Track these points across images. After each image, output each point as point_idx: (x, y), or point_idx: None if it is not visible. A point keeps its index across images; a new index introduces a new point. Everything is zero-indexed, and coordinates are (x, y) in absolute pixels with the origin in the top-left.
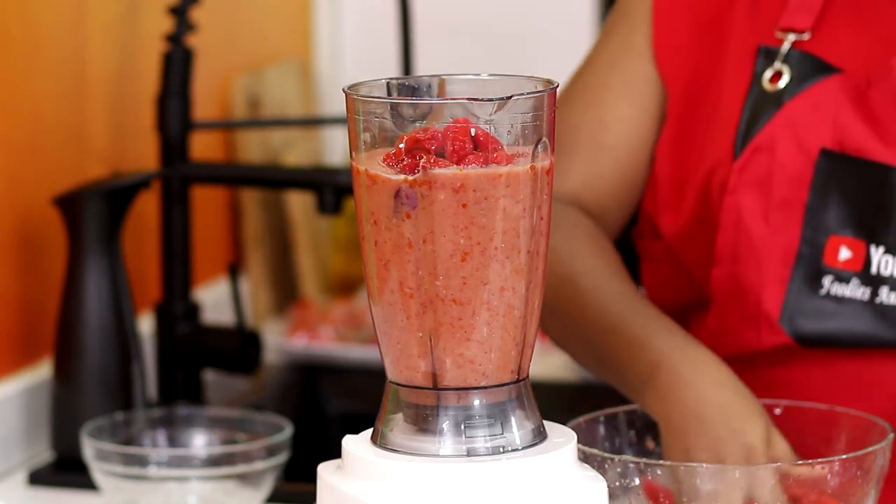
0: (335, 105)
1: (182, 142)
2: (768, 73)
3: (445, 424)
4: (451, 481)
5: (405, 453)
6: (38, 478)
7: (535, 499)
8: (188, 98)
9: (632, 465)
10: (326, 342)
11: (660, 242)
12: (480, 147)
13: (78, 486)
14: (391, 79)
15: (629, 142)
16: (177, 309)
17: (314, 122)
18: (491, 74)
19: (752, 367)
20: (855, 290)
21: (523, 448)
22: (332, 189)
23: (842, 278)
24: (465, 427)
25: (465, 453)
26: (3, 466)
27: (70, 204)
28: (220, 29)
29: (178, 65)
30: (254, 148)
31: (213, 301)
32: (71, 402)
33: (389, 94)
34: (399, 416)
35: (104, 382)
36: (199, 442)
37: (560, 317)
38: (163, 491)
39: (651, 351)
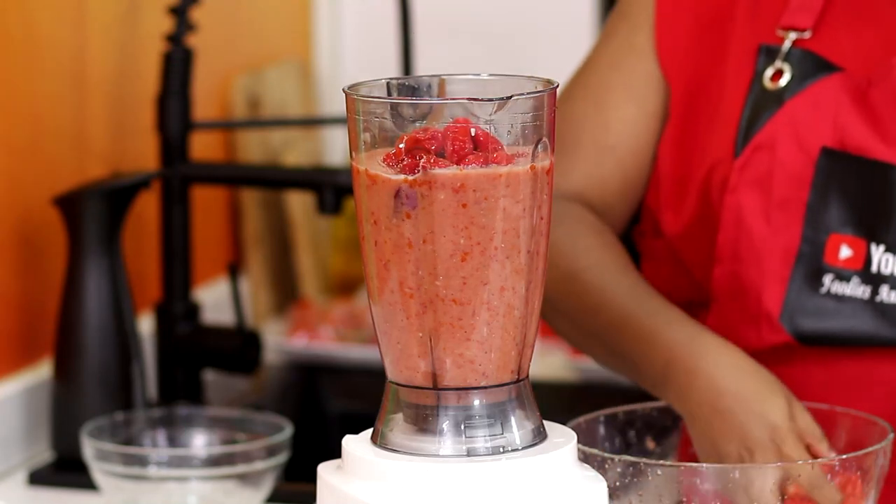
0: (335, 105)
1: (182, 142)
2: (769, 72)
3: (445, 424)
4: (451, 481)
5: (405, 453)
6: (38, 478)
7: (535, 499)
8: (188, 98)
9: (632, 465)
10: (326, 342)
11: (661, 241)
12: (480, 147)
13: (78, 486)
14: (391, 79)
15: (632, 142)
16: (177, 309)
17: (314, 122)
18: (491, 74)
19: None
20: (855, 289)
21: (523, 448)
22: (332, 189)
23: (842, 277)
24: (465, 427)
25: (465, 453)
26: (3, 466)
27: (70, 204)
28: (220, 29)
29: (178, 65)
30: (254, 148)
31: (213, 301)
32: (71, 402)
33: (389, 94)
34: (399, 416)
35: (104, 382)
36: (199, 442)
37: (567, 313)
38: (163, 491)
39: (662, 345)
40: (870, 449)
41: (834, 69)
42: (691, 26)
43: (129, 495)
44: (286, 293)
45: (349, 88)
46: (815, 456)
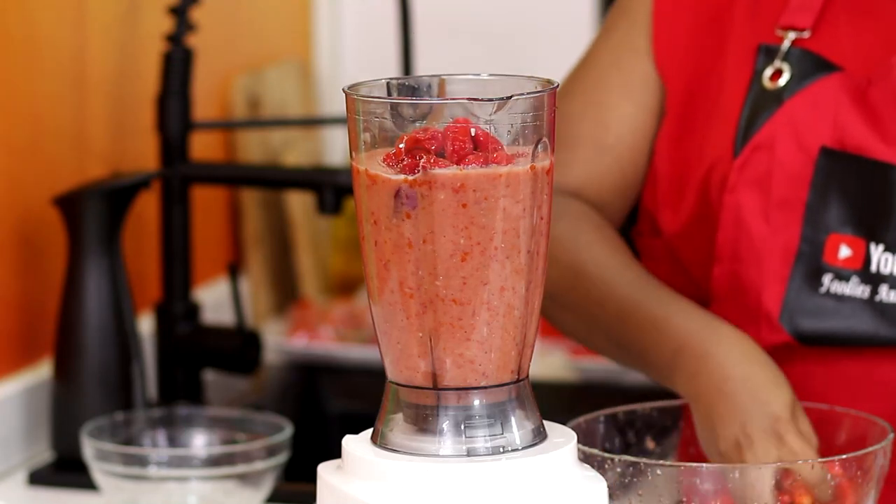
0: (335, 105)
1: (182, 142)
2: (768, 72)
3: (445, 424)
4: (451, 481)
5: (405, 453)
6: (38, 478)
7: (535, 499)
8: (188, 98)
9: (632, 465)
10: (326, 342)
11: (659, 240)
12: (480, 147)
13: (78, 486)
14: (391, 79)
15: (630, 139)
16: (177, 309)
17: (314, 122)
18: (491, 74)
19: None
20: (855, 289)
21: (523, 448)
22: (332, 189)
23: (842, 276)
24: (465, 427)
25: (465, 453)
26: (3, 466)
27: (70, 204)
28: (220, 29)
29: (178, 65)
30: (254, 148)
31: (213, 301)
32: (71, 402)
33: (389, 94)
34: (399, 416)
35: (104, 382)
36: (199, 442)
37: (571, 307)
38: (163, 491)
39: (673, 332)
40: (870, 449)
41: (833, 69)
42: (689, 25)
43: (129, 495)
44: (286, 293)
45: (349, 88)
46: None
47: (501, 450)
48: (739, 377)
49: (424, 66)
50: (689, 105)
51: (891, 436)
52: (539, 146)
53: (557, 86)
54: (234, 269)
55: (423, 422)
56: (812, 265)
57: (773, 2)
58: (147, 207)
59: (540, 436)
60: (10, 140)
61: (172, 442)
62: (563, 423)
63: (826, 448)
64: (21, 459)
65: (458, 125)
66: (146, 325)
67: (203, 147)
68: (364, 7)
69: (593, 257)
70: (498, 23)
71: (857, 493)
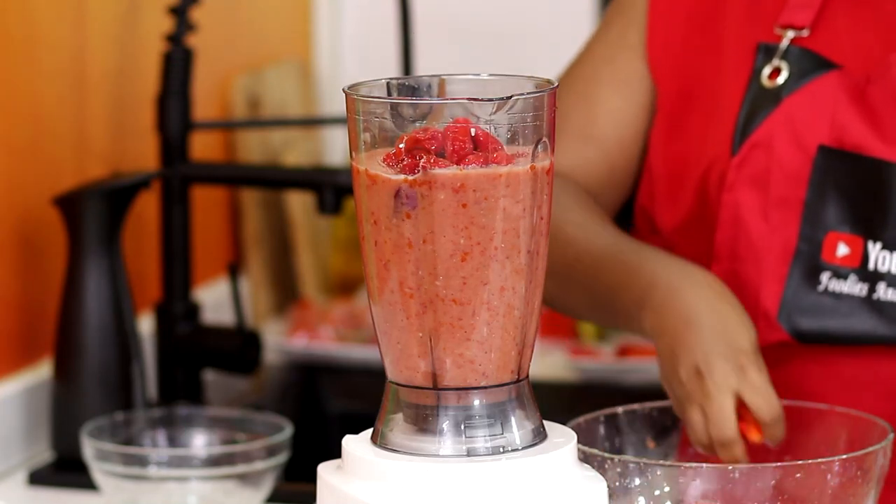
0: (335, 105)
1: (182, 142)
2: (767, 70)
3: (445, 424)
4: (451, 481)
5: (405, 453)
6: (38, 478)
7: (535, 499)
8: (188, 98)
9: (632, 465)
10: (326, 342)
11: (657, 238)
12: (480, 147)
13: (78, 486)
14: (391, 79)
15: (618, 133)
16: (177, 309)
17: (314, 122)
18: (491, 74)
19: None
20: (853, 287)
21: (523, 448)
22: (332, 189)
23: (840, 274)
24: (465, 427)
25: (465, 453)
26: (3, 466)
27: (70, 204)
28: (220, 29)
29: (178, 65)
30: (254, 148)
31: (213, 301)
32: (71, 402)
33: (389, 94)
34: (399, 416)
35: (104, 382)
36: (199, 442)
37: (548, 270)
38: (163, 491)
39: (645, 273)
40: (870, 449)
41: (832, 67)
42: (684, 24)
43: (129, 495)
44: (286, 293)
45: (349, 88)
46: (743, 410)
47: (501, 450)
48: (707, 313)
49: (424, 66)
50: (683, 103)
51: (891, 436)
52: (539, 146)
53: (557, 86)
54: (234, 269)
55: (423, 422)
56: (810, 263)
57: (773, 0)
58: (147, 207)
59: (540, 436)
60: (10, 140)
61: (172, 442)
62: (563, 423)
63: (826, 448)
64: (21, 459)
65: (458, 125)
66: (146, 325)
67: (203, 147)
68: (364, 7)
69: (571, 219)
70: (498, 23)
71: (857, 494)
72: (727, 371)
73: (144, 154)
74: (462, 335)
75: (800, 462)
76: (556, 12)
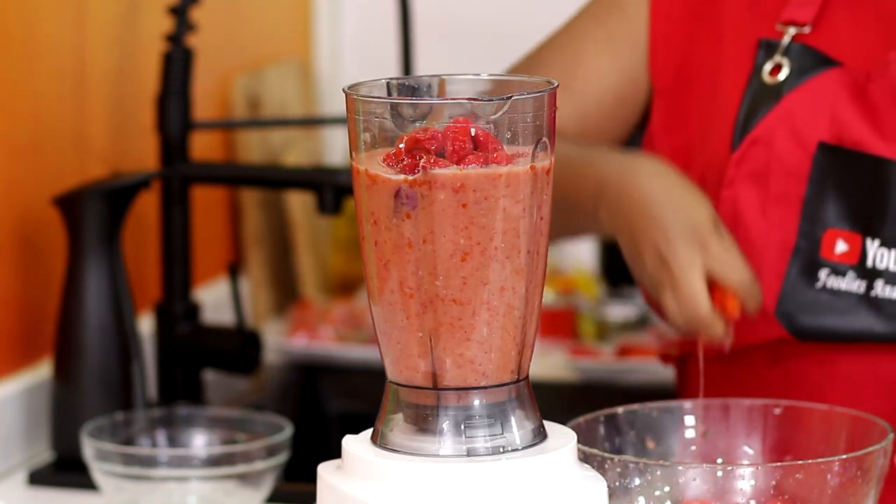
0: (335, 105)
1: (182, 142)
2: (768, 66)
3: (445, 424)
4: (451, 481)
5: (405, 453)
6: (38, 478)
7: (535, 499)
8: (188, 98)
9: (632, 465)
10: (326, 342)
11: None
12: (480, 147)
13: (78, 486)
14: (391, 79)
15: (600, 96)
16: (177, 309)
17: (314, 122)
18: (491, 74)
19: (748, 361)
20: (850, 284)
21: (523, 448)
22: (332, 189)
23: (838, 271)
24: (465, 427)
25: (465, 453)
26: (3, 466)
27: (70, 204)
28: (220, 29)
29: (178, 65)
30: (254, 148)
31: (213, 301)
32: (71, 402)
33: (389, 94)
34: (399, 416)
35: (104, 382)
36: (199, 442)
37: None
38: (163, 491)
39: (596, 169)
40: (870, 449)
41: (833, 64)
42: (684, 17)
43: (129, 495)
44: (286, 293)
45: (349, 88)
46: (715, 285)
47: (501, 450)
48: (660, 196)
49: (424, 66)
50: (682, 96)
51: (891, 436)
52: (539, 146)
53: (557, 86)
54: (234, 269)
55: (423, 422)
56: (809, 260)
57: None
58: (147, 207)
59: (540, 436)
60: (11, 140)
61: (172, 442)
62: (563, 423)
63: (826, 448)
64: (21, 459)
65: (458, 125)
66: (146, 325)
67: (203, 147)
68: (364, 7)
69: None
70: (498, 23)
71: (857, 494)
72: (689, 249)
73: (144, 154)
74: (462, 335)
75: (800, 462)
76: (556, 12)
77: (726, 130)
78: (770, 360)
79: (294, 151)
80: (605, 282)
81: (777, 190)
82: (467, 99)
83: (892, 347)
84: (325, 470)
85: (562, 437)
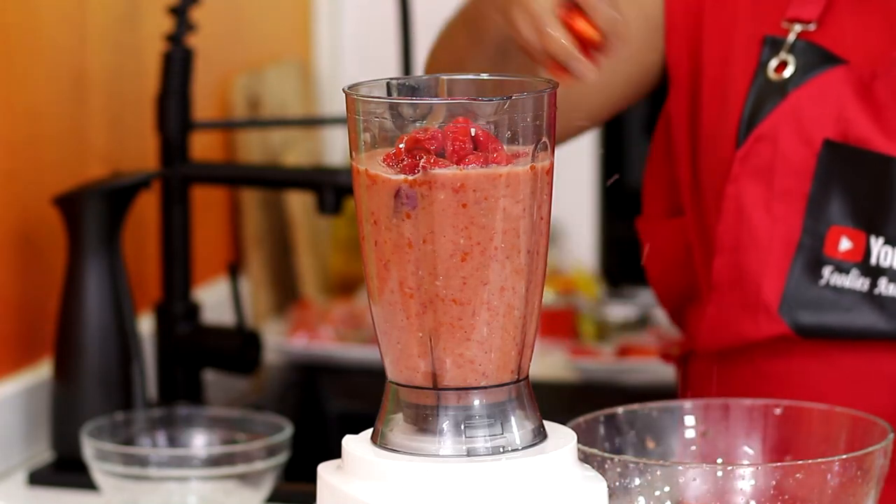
0: (335, 105)
1: (182, 142)
2: (773, 63)
3: (445, 424)
4: (451, 481)
5: (405, 453)
6: (38, 478)
7: (535, 499)
8: (188, 98)
9: (632, 465)
10: (326, 342)
11: (675, 222)
12: (480, 147)
13: (78, 486)
14: (391, 79)
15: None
16: (177, 309)
17: (314, 122)
18: (491, 74)
19: (750, 358)
20: (854, 281)
21: (523, 448)
22: (332, 189)
23: (842, 269)
24: (465, 427)
25: (465, 453)
26: (3, 466)
27: (70, 204)
28: (220, 29)
29: (178, 65)
30: (254, 148)
31: (213, 301)
32: (71, 402)
33: (389, 94)
34: (399, 416)
35: (104, 382)
36: (199, 442)
37: (448, 51)
38: (163, 491)
39: None
40: (870, 449)
41: (838, 61)
42: (697, 14)
43: (129, 495)
44: (286, 293)
45: (349, 88)
46: (571, 12)
47: (501, 450)
48: None
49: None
50: (697, 85)
51: (891, 436)
52: (539, 146)
53: (557, 86)
54: (234, 269)
55: (423, 422)
56: (812, 257)
57: None
58: (147, 207)
59: (540, 436)
60: (10, 140)
61: (172, 442)
62: (563, 423)
63: (826, 448)
64: (21, 459)
65: (458, 125)
66: (146, 325)
67: (203, 147)
68: (364, 7)
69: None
70: None
71: (857, 494)
72: None
73: (144, 154)
74: (462, 335)
75: (800, 462)
76: None
77: (731, 126)
78: (771, 355)
79: (294, 151)
80: (605, 282)
81: (781, 186)
82: (467, 99)
83: (895, 345)
84: (325, 470)
85: (562, 438)
